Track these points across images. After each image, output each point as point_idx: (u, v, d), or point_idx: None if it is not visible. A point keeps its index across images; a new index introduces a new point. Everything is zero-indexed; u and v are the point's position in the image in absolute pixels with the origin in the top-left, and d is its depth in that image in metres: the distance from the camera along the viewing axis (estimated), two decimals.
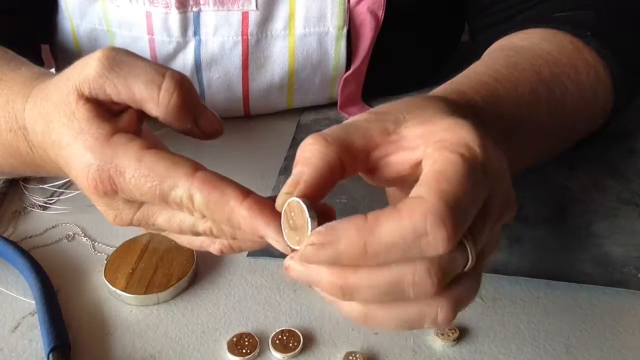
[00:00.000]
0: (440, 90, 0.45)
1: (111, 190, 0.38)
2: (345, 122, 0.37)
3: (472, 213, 0.33)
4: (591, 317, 0.47)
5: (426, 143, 0.35)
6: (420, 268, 0.32)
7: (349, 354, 0.44)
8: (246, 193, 0.36)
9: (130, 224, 0.41)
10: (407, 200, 0.32)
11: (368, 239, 0.31)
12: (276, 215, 0.35)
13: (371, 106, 0.71)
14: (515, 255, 0.50)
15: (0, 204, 0.57)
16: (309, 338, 0.45)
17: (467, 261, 0.33)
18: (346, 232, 0.32)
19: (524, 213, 0.55)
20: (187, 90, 0.40)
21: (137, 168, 0.37)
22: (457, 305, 0.34)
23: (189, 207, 0.37)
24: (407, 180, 0.36)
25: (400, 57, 0.71)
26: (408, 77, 0.74)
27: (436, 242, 0.31)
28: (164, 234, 0.43)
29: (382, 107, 0.38)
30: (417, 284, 0.32)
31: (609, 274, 0.49)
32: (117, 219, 0.41)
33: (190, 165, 0.37)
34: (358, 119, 0.37)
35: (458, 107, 0.39)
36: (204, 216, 0.38)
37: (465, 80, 0.47)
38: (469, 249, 0.33)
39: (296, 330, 0.45)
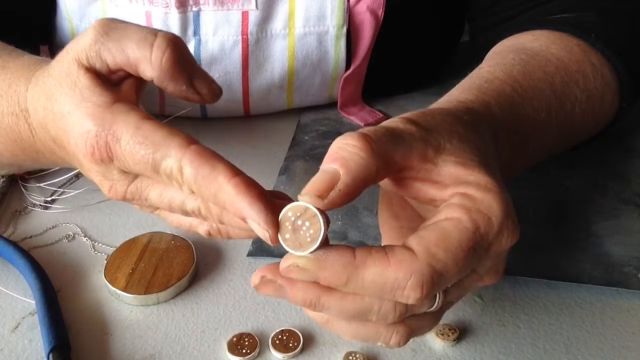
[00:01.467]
0: (466, 91, 0.46)
1: (107, 157, 0.39)
2: (390, 127, 0.36)
3: (452, 282, 0.34)
4: (591, 317, 0.47)
5: (455, 189, 0.36)
6: (388, 305, 0.34)
7: (349, 354, 0.44)
8: (237, 172, 0.36)
9: (124, 197, 0.41)
10: (399, 250, 0.33)
11: (351, 276, 0.33)
12: (262, 199, 0.34)
13: (371, 106, 0.71)
14: (515, 255, 0.50)
15: None
16: (309, 338, 0.45)
17: (433, 306, 0.35)
18: (333, 265, 0.33)
19: (524, 213, 0.55)
20: (179, 48, 0.40)
21: (133, 135, 0.37)
22: (412, 333, 0.36)
23: (178, 179, 0.37)
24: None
25: (400, 57, 0.71)
26: (408, 78, 0.74)
27: (408, 297, 0.33)
28: (155, 213, 0.43)
29: (426, 121, 0.38)
30: (381, 314, 0.34)
31: (609, 274, 0.49)
32: (112, 191, 0.41)
33: (185, 138, 0.37)
34: (403, 129, 0.36)
35: (482, 125, 0.41)
36: (192, 192, 0.37)
37: (489, 87, 0.47)
38: (437, 299, 0.35)
39: (296, 330, 0.45)
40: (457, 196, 0.35)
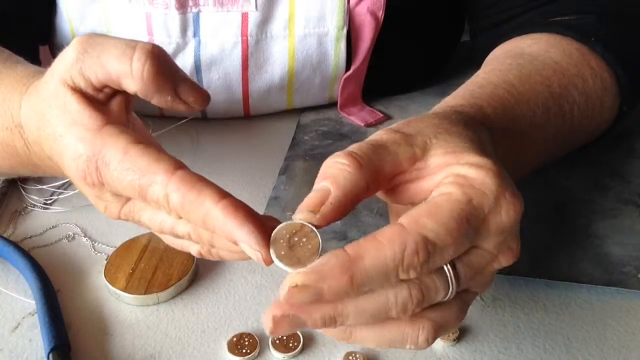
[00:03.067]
0: (459, 97, 0.46)
1: (98, 182, 0.38)
2: (374, 140, 0.37)
3: (451, 253, 0.34)
4: (591, 317, 0.47)
5: (447, 171, 0.36)
6: (402, 289, 0.33)
7: (349, 354, 0.44)
8: (224, 195, 0.35)
9: (119, 217, 0.41)
10: (388, 228, 0.33)
11: (352, 272, 0.32)
12: (252, 220, 0.34)
13: (371, 106, 0.71)
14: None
15: None
16: (309, 338, 0.45)
17: (448, 289, 0.35)
18: (331, 269, 0.32)
19: (524, 213, 0.55)
20: (159, 58, 0.39)
21: (121, 160, 0.37)
22: (438, 329, 0.35)
23: (165, 206, 0.37)
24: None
25: (400, 58, 0.71)
26: (408, 78, 0.74)
27: (409, 267, 0.32)
28: (151, 231, 0.42)
29: (408, 126, 0.38)
30: (399, 305, 0.34)
31: (609, 274, 0.49)
32: (107, 211, 0.41)
33: (172, 163, 0.37)
34: (387, 139, 0.37)
35: (475, 125, 0.40)
36: (181, 217, 0.37)
37: (482, 92, 0.47)
38: (449, 277, 0.34)
39: (296, 330, 0.45)
40: (450, 177, 0.35)
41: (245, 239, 0.34)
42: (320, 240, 0.33)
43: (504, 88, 0.48)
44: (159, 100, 0.40)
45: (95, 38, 0.40)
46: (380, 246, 0.32)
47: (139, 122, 0.45)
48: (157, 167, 0.36)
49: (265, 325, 0.33)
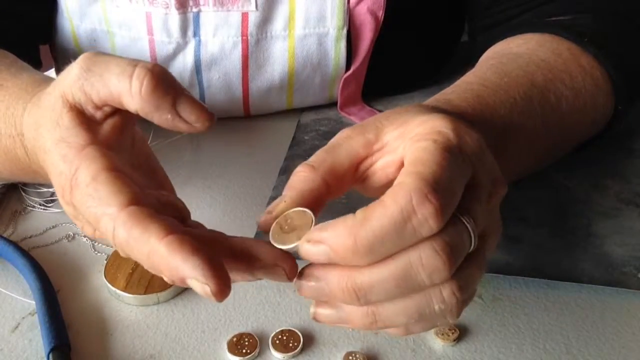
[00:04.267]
0: (428, 101, 0.46)
1: (70, 201, 0.38)
2: (330, 143, 0.39)
3: (456, 189, 0.34)
4: (591, 317, 0.47)
5: (404, 141, 0.37)
6: (426, 248, 0.33)
7: (349, 354, 0.44)
8: (171, 231, 0.34)
9: (95, 238, 0.41)
10: (389, 190, 0.33)
11: (358, 233, 0.32)
12: (198, 253, 0.33)
13: (371, 106, 0.71)
14: (515, 255, 0.50)
15: None
16: (309, 338, 0.45)
17: (471, 238, 0.34)
18: (335, 229, 0.33)
19: (523, 213, 0.55)
20: (159, 76, 0.38)
21: (87, 185, 0.36)
22: (464, 286, 0.34)
23: (112, 241, 0.35)
24: None
25: (400, 58, 0.71)
26: (408, 78, 0.74)
27: (425, 217, 0.32)
28: None
29: (362, 122, 0.40)
30: (426, 266, 0.33)
31: (609, 274, 0.49)
32: (84, 230, 0.40)
33: (129, 198, 0.35)
34: (340, 137, 0.39)
35: (441, 111, 0.40)
36: (127, 254, 0.36)
37: (454, 89, 0.48)
38: (468, 225, 0.34)
39: (296, 330, 0.45)
40: (408, 141, 0.36)
41: (191, 274, 0.32)
42: (312, 214, 0.35)
43: (478, 83, 0.49)
44: (159, 119, 0.39)
45: (100, 56, 0.40)
46: (385, 204, 0.32)
47: (139, 134, 0.44)
48: (113, 199, 0.35)
49: (296, 286, 0.36)
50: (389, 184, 0.37)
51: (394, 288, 0.33)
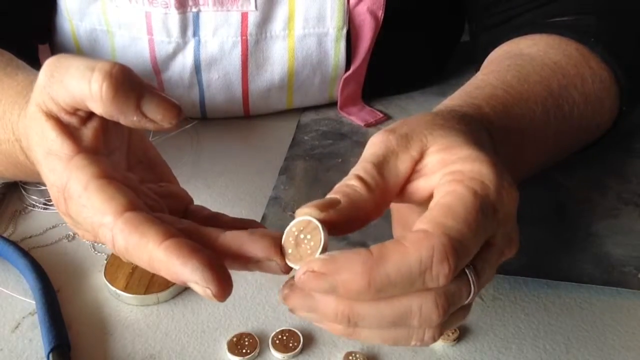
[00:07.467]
0: (456, 98, 0.46)
1: (66, 212, 0.37)
2: (374, 157, 0.37)
3: (474, 250, 0.34)
4: (591, 317, 0.47)
5: (443, 171, 0.36)
6: (428, 300, 0.33)
7: (349, 354, 0.44)
8: (169, 235, 0.33)
9: (95, 243, 0.40)
10: (411, 234, 0.33)
11: (373, 274, 0.31)
12: (197, 255, 0.33)
13: (371, 106, 0.71)
14: (515, 255, 0.50)
15: None
16: (309, 338, 0.45)
17: (470, 293, 0.34)
18: (350, 265, 0.32)
19: (523, 213, 0.55)
20: (118, 78, 0.36)
21: (80, 196, 0.36)
22: (445, 328, 0.35)
23: (112, 249, 0.35)
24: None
25: (400, 58, 0.71)
26: (408, 77, 0.74)
27: (438, 276, 0.32)
28: None
29: (403, 128, 0.38)
30: (423, 315, 0.33)
31: (609, 274, 0.49)
32: (84, 237, 0.40)
33: (122, 204, 0.35)
34: (385, 150, 0.37)
35: (472, 124, 0.40)
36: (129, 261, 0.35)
37: (479, 93, 0.48)
38: (471, 281, 0.34)
39: (296, 330, 0.45)
40: (447, 175, 0.35)
41: (191, 277, 0.32)
42: (323, 237, 0.33)
43: (502, 88, 0.48)
44: (126, 121, 0.37)
45: (62, 60, 0.38)
46: (406, 250, 0.32)
47: (139, 131, 0.43)
48: (108, 207, 0.35)
49: (281, 294, 0.34)
50: (411, 207, 0.37)
51: (386, 323, 0.34)
